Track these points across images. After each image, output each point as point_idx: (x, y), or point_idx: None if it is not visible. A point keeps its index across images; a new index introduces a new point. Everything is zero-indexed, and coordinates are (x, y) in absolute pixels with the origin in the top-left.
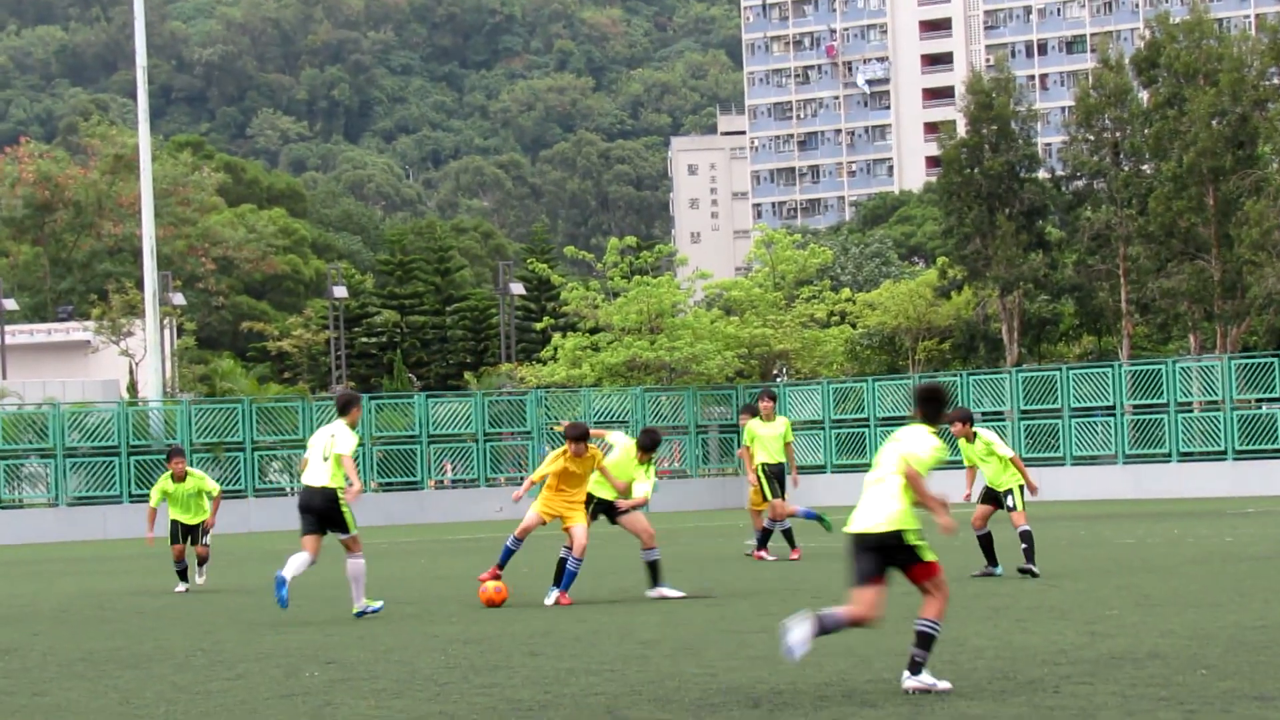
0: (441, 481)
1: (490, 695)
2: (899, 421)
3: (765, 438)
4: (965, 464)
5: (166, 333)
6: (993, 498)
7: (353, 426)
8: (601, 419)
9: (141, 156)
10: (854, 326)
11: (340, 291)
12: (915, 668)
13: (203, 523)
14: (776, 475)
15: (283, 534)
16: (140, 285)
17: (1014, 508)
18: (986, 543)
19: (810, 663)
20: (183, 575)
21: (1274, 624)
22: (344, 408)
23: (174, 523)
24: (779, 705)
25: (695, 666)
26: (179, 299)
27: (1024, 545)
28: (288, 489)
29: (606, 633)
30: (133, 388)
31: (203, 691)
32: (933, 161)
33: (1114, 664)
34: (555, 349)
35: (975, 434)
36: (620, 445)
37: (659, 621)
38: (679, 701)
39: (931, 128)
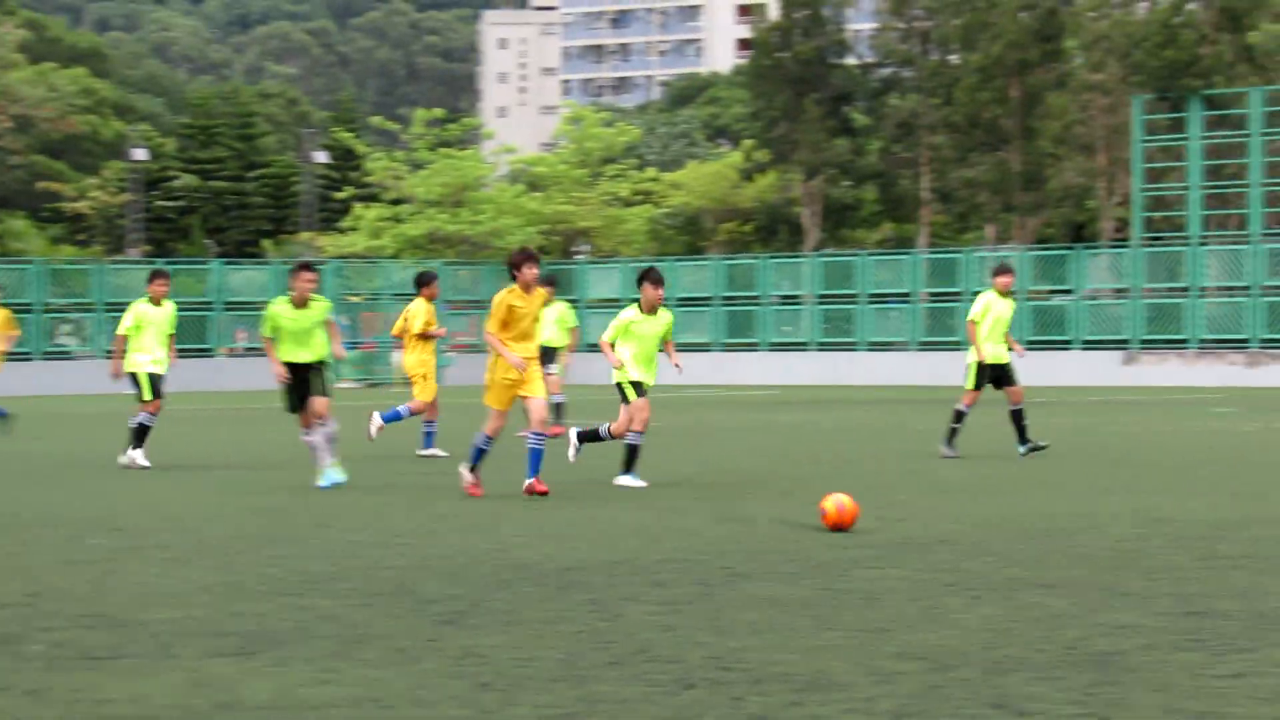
0: (235, 349)
1: (278, 566)
2: (698, 302)
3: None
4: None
5: None
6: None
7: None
8: (400, 293)
9: None
10: (657, 206)
11: (140, 154)
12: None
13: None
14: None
15: (69, 397)
16: None
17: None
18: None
19: (599, 540)
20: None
21: (1059, 514)
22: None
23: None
24: (569, 583)
25: (487, 542)
26: None
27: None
28: (76, 352)
29: (397, 506)
30: None
31: None
32: (743, 44)
33: (903, 549)
34: (357, 219)
35: None
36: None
37: (452, 496)
38: (469, 577)
39: (743, 10)
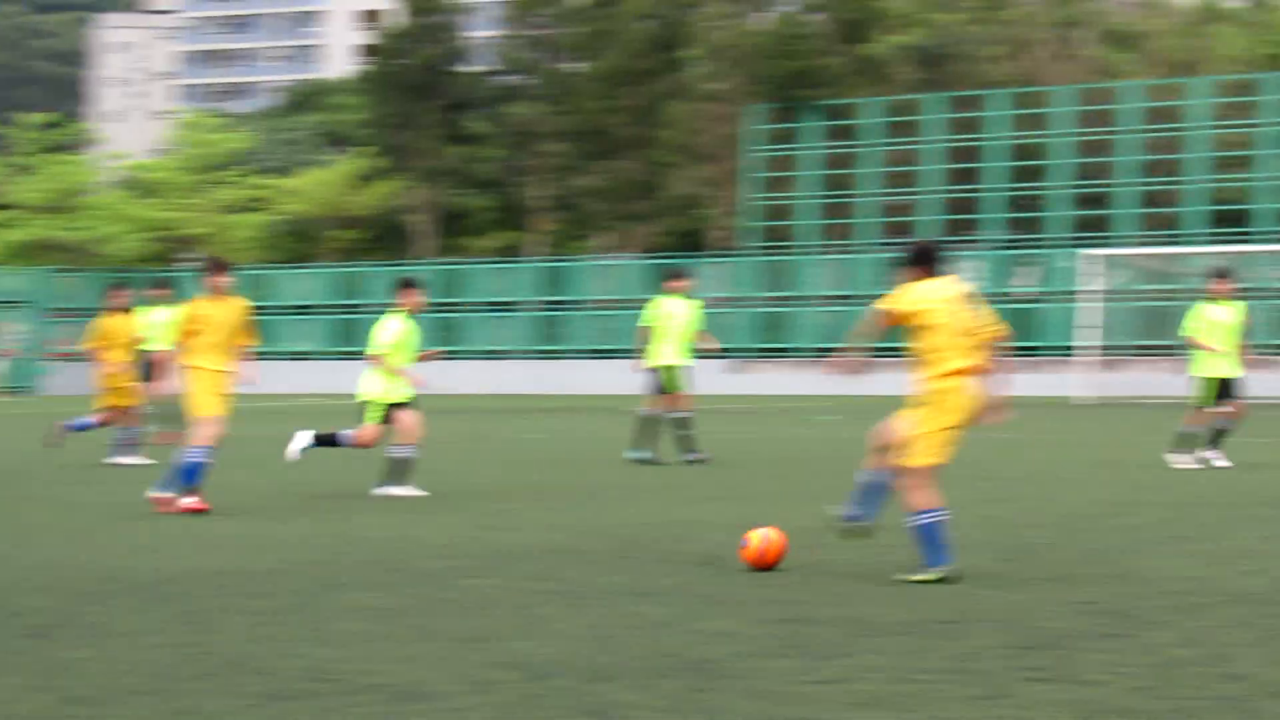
0: None
1: None
2: (309, 310)
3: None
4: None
5: None
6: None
7: None
8: (8, 300)
9: None
10: (271, 213)
11: None
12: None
13: None
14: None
15: None
16: None
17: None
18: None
19: (199, 551)
20: None
21: (656, 522)
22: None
23: None
24: (164, 595)
25: (83, 553)
26: None
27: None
28: None
29: None
30: None
31: None
32: (363, 50)
33: (506, 558)
34: None
35: None
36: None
37: (48, 508)
38: (61, 589)
39: (364, 16)
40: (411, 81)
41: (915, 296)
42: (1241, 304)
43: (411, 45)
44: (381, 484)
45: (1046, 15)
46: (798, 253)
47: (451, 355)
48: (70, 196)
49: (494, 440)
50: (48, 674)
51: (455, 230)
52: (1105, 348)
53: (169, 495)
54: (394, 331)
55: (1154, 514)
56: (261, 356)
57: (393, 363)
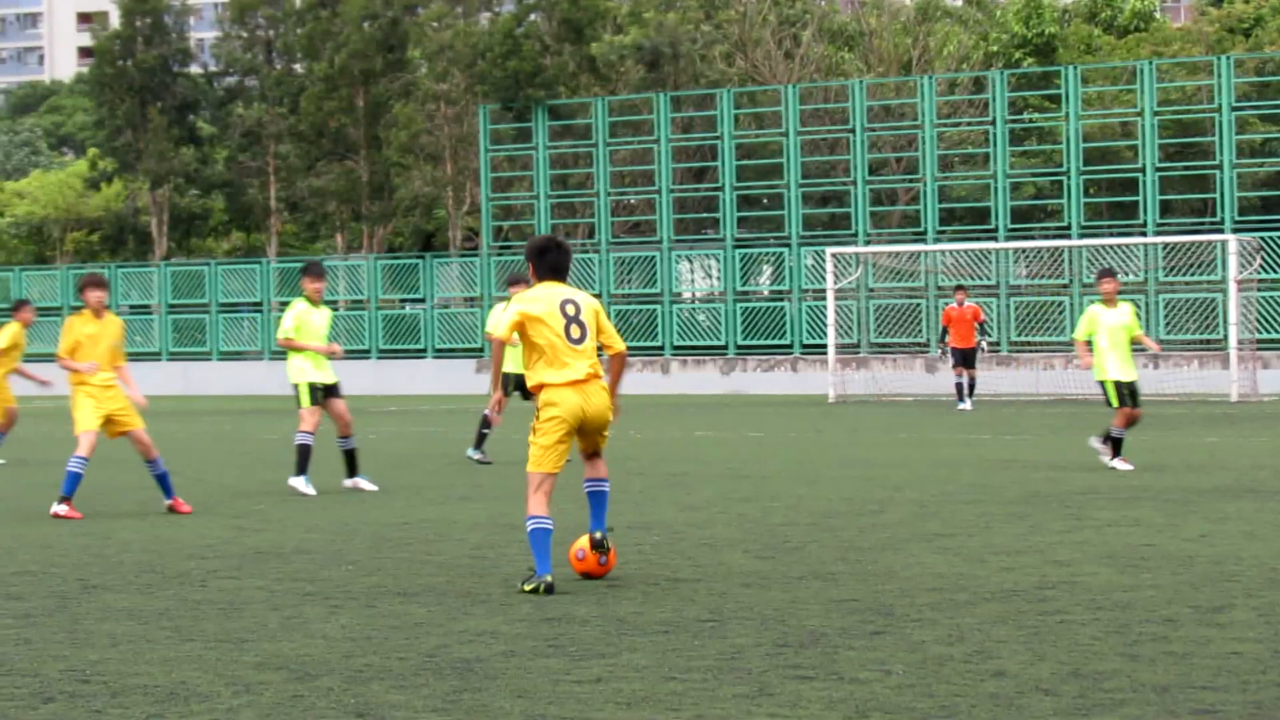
0: None
1: None
2: (47, 312)
3: None
4: None
5: None
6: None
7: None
8: None
9: None
10: (1, 216)
11: None
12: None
13: None
14: None
15: None
16: None
17: None
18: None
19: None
20: None
21: (414, 521)
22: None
23: None
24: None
25: None
26: None
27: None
28: None
29: None
30: None
31: None
32: (86, 52)
33: (260, 558)
34: None
35: None
36: None
37: None
38: None
39: (85, 17)
40: (136, 84)
41: (526, 302)
42: (1129, 305)
43: (133, 47)
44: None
45: (767, 14)
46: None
47: (193, 356)
48: None
49: (236, 440)
50: None
51: (189, 231)
52: (847, 346)
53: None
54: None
55: (908, 511)
56: None
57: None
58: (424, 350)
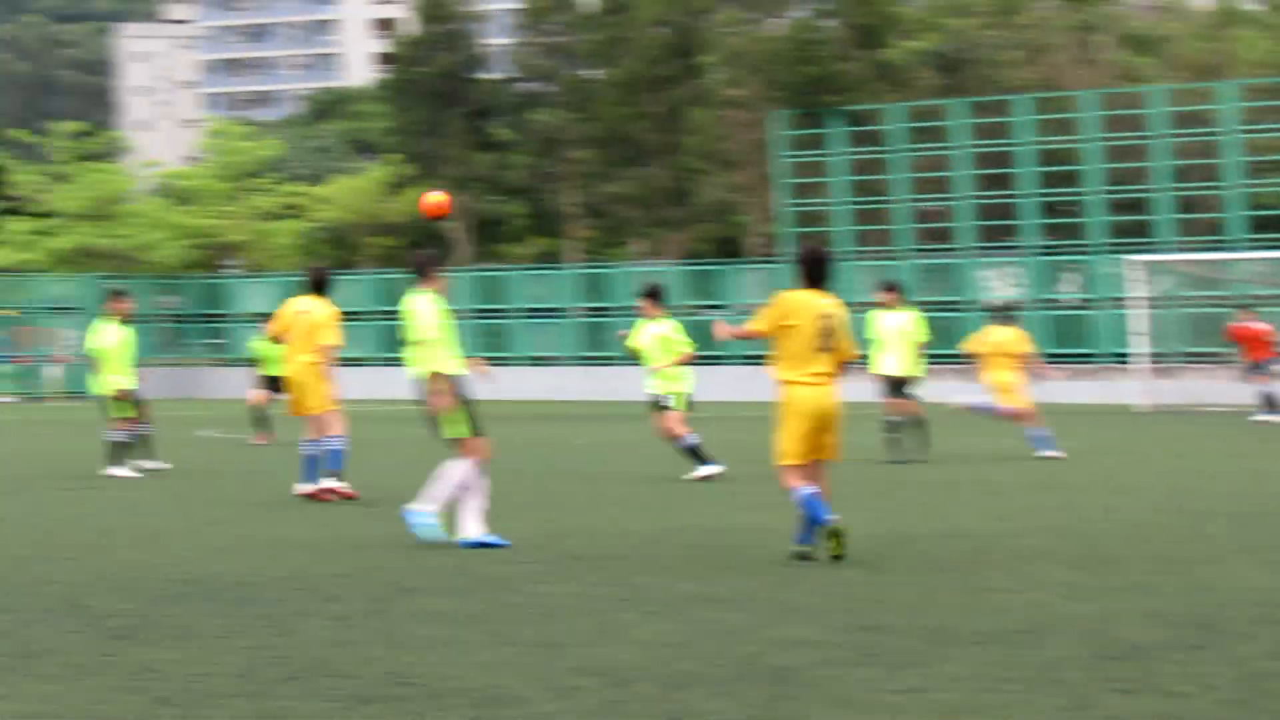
0: None
1: None
2: (354, 317)
3: None
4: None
5: None
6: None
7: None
8: (59, 306)
9: None
10: (306, 220)
11: None
12: None
13: None
14: None
15: None
16: None
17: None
18: None
19: (270, 556)
20: None
21: (728, 528)
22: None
23: None
24: (242, 598)
25: (157, 557)
26: None
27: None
28: None
29: (64, 522)
30: None
31: None
32: (381, 58)
33: (573, 564)
34: (3, 233)
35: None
36: None
37: (118, 511)
38: (141, 592)
39: (380, 24)
40: (432, 89)
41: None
42: (915, 311)
43: (429, 53)
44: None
45: (1063, 19)
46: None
47: (497, 361)
48: (109, 204)
49: (546, 446)
50: (136, 675)
51: (491, 237)
52: (1156, 355)
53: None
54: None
55: (1226, 523)
56: None
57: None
58: (724, 358)
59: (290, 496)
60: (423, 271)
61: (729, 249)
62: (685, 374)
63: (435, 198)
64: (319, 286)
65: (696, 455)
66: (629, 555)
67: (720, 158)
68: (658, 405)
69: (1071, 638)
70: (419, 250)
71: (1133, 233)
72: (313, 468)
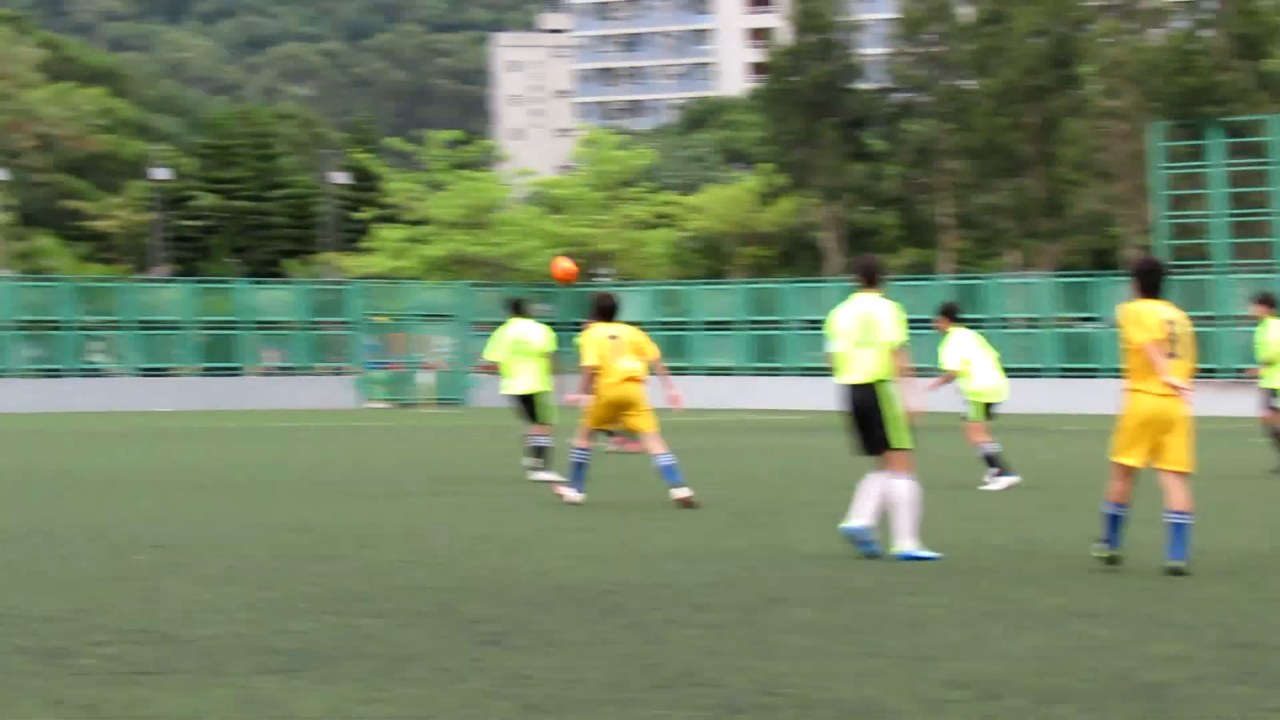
0: (262, 368)
1: (321, 585)
2: (720, 326)
3: None
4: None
5: None
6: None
7: None
8: (428, 312)
9: None
10: (677, 229)
11: (162, 173)
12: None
13: None
14: None
15: (103, 414)
16: None
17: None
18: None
19: (639, 564)
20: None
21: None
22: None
23: None
24: (611, 606)
25: (527, 564)
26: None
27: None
28: (106, 369)
29: (437, 527)
30: None
31: (31, 570)
32: (755, 68)
33: (943, 576)
34: (379, 240)
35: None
36: None
37: (489, 517)
38: (511, 598)
39: (754, 34)
40: (807, 98)
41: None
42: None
43: (803, 63)
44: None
45: None
46: (1213, 271)
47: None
48: (483, 212)
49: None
50: (505, 681)
51: (861, 247)
52: None
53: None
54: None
55: None
56: (679, 372)
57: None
58: (1096, 369)
59: (664, 503)
60: (871, 276)
61: (1103, 261)
62: (991, 385)
63: (565, 265)
64: (607, 314)
65: (994, 463)
66: (999, 568)
67: (1096, 169)
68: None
69: None
70: (865, 256)
71: None
72: (673, 474)
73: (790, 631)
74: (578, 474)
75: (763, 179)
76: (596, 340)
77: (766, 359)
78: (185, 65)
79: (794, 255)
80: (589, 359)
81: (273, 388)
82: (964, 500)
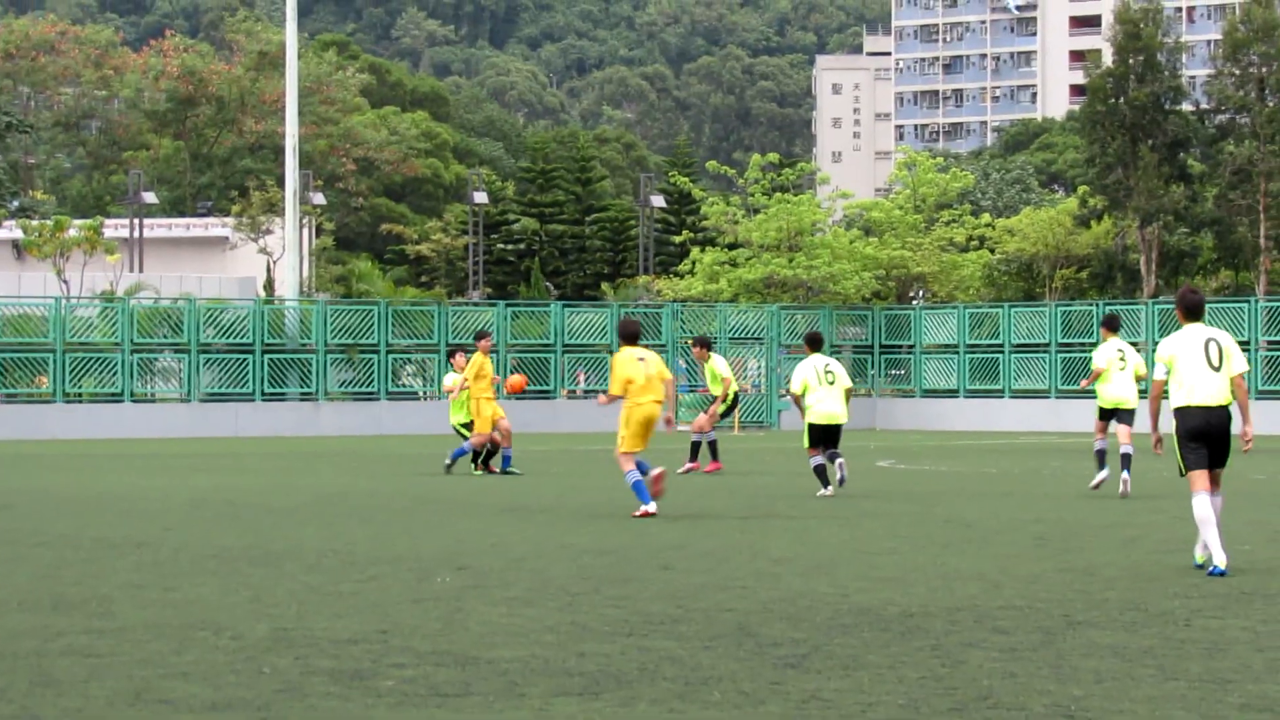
0: (574, 391)
1: (621, 608)
2: (1034, 349)
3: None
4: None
5: (305, 232)
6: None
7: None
8: (737, 335)
9: (288, 54)
10: (992, 252)
11: (481, 197)
12: None
13: None
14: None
15: (414, 437)
16: (281, 183)
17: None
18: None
19: (939, 586)
20: None
21: None
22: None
23: None
24: (910, 629)
25: (827, 586)
26: (319, 198)
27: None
28: (420, 393)
29: (738, 549)
30: (269, 286)
31: (334, 593)
32: (1076, 90)
33: (1245, 599)
34: (693, 263)
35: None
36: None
37: (790, 539)
38: (810, 621)
39: (1076, 55)
40: (1127, 121)
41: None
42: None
43: (1125, 85)
44: None
45: None
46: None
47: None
48: (798, 236)
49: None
50: (802, 704)
51: (1176, 269)
52: None
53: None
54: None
55: None
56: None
57: None
58: None
59: (967, 523)
60: (1195, 310)
61: None
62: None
63: (514, 380)
64: (633, 339)
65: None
66: None
67: None
68: None
69: None
70: (1192, 289)
71: None
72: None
73: (1089, 655)
74: (642, 493)
75: (1080, 201)
76: (625, 362)
77: (1077, 381)
78: (508, 89)
79: (1109, 277)
80: (622, 380)
81: (584, 410)
82: (1268, 520)
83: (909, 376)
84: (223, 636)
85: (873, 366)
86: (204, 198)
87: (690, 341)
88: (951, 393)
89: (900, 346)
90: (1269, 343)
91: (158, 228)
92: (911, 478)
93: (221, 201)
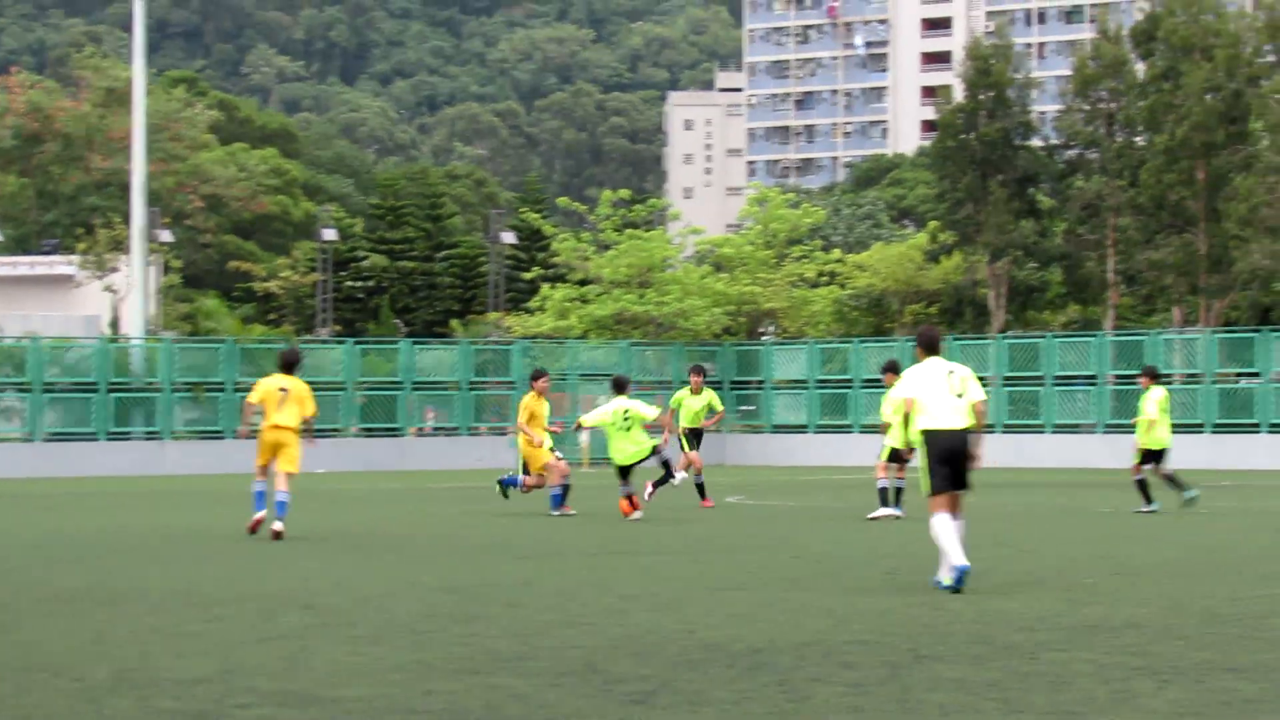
0: (423, 429)
1: (468, 645)
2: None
3: (690, 408)
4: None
5: (152, 270)
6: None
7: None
8: (587, 371)
9: (135, 91)
10: (843, 287)
11: (329, 234)
12: None
13: None
14: (695, 435)
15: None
16: (127, 221)
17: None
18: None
19: (787, 621)
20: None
21: (1247, 597)
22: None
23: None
24: (757, 664)
25: (675, 622)
26: (166, 235)
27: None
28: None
29: (586, 586)
30: (115, 324)
31: (178, 633)
32: (928, 125)
33: (1090, 632)
34: (544, 300)
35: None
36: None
37: (639, 576)
38: (658, 657)
39: (928, 91)
40: (978, 156)
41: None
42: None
43: (975, 121)
44: None
45: None
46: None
47: (1027, 428)
48: (648, 272)
49: (1068, 513)
50: None
51: (1026, 304)
52: None
53: None
54: None
55: None
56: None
57: None
58: (1257, 425)
59: (818, 558)
60: (933, 346)
61: (1265, 316)
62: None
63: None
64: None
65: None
66: (1147, 624)
67: (1263, 224)
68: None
69: None
70: (930, 326)
71: None
72: None
73: (935, 688)
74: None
75: (930, 236)
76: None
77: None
78: (359, 125)
79: (958, 312)
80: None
81: (433, 448)
82: (1110, 554)
83: (759, 412)
84: (63, 678)
85: (723, 403)
86: (49, 235)
87: (690, 369)
88: (801, 428)
89: (750, 382)
90: (1115, 377)
91: (2, 266)
92: (761, 513)
93: (67, 239)
